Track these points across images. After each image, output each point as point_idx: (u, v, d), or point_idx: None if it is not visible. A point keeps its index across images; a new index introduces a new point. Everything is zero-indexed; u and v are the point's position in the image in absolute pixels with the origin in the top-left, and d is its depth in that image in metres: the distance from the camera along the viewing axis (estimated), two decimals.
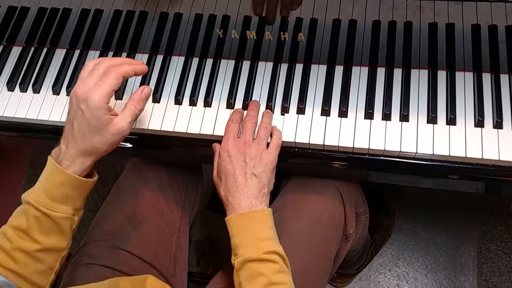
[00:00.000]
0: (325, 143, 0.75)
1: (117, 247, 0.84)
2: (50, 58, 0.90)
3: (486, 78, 0.76)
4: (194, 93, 0.82)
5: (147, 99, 0.71)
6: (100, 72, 0.66)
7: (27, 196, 0.66)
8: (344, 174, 0.85)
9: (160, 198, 0.91)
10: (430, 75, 0.77)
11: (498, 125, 0.72)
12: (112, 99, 0.68)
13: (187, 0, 0.87)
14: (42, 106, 0.85)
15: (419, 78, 0.78)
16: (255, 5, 0.83)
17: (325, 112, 0.77)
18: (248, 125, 0.75)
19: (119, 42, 0.89)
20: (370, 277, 1.39)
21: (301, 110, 0.78)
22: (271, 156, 0.73)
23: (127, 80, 0.84)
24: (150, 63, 0.86)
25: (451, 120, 0.73)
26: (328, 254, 0.83)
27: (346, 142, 0.75)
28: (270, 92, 0.80)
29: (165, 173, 0.94)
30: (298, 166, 0.82)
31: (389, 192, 1.37)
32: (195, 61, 0.86)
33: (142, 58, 0.87)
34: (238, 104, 0.81)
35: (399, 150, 0.73)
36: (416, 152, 0.73)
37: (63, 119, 0.83)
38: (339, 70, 0.80)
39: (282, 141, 0.76)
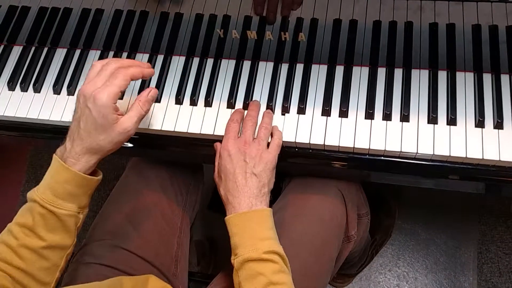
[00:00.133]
0: (326, 143, 0.75)
1: (118, 246, 0.84)
2: (51, 57, 0.90)
3: (487, 78, 0.76)
4: (194, 93, 0.82)
5: (153, 100, 0.72)
6: (108, 72, 0.67)
7: (32, 194, 0.66)
8: (344, 174, 0.85)
9: (162, 198, 0.91)
10: (431, 75, 0.77)
11: (498, 125, 0.72)
12: None
13: (187, 0, 0.87)
14: (43, 105, 0.85)
15: (420, 78, 0.78)
16: (255, 5, 0.83)
17: (326, 112, 0.77)
18: (248, 125, 0.75)
19: (120, 42, 0.89)
20: (370, 277, 1.39)
21: (301, 110, 0.78)
22: (271, 156, 0.73)
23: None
24: (150, 63, 0.86)
25: (451, 121, 0.73)
26: (329, 255, 0.83)
27: (346, 142, 0.75)
28: (271, 92, 0.80)
29: (166, 173, 0.94)
30: (299, 166, 0.82)
31: (390, 192, 1.37)
32: (196, 61, 0.86)
33: (142, 58, 0.88)
34: (239, 104, 0.81)
35: (399, 150, 0.73)
36: (417, 153, 0.73)
37: (64, 118, 0.84)
38: (339, 70, 0.80)
39: (283, 141, 0.76)
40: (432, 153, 0.72)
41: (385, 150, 0.74)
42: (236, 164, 0.71)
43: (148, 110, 0.71)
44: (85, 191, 0.68)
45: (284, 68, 0.82)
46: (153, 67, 0.86)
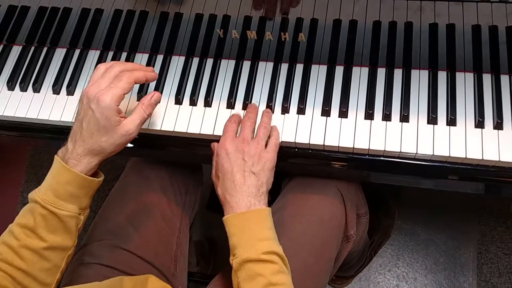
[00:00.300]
0: (325, 144, 0.75)
1: (118, 246, 0.84)
2: (50, 57, 0.90)
3: (487, 78, 0.76)
4: (194, 93, 0.82)
5: (156, 104, 0.72)
6: (112, 75, 0.68)
7: (34, 194, 0.66)
8: (344, 175, 0.85)
9: (161, 198, 0.91)
10: (431, 75, 0.77)
11: (498, 126, 0.72)
12: None
13: (187, 0, 0.86)
14: (42, 105, 0.85)
15: (420, 79, 0.78)
16: (255, 2, 0.82)
17: (325, 112, 0.77)
18: (247, 125, 0.75)
19: (120, 42, 0.89)
20: (370, 277, 1.39)
21: (301, 110, 0.78)
22: (270, 155, 0.73)
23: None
24: (150, 63, 0.86)
25: (451, 121, 0.73)
26: (329, 255, 0.83)
27: (346, 142, 0.75)
28: (271, 92, 0.80)
29: (166, 173, 0.94)
30: (299, 166, 0.82)
31: (389, 193, 1.37)
32: (196, 61, 0.86)
33: (142, 58, 0.88)
34: (238, 104, 0.81)
35: (399, 150, 0.73)
36: (416, 153, 0.73)
37: (63, 118, 0.83)
38: (339, 70, 0.80)
39: (283, 141, 0.76)
40: (431, 153, 0.72)
41: (384, 150, 0.74)
42: (234, 163, 0.71)
43: (151, 113, 0.72)
44: (86, 192, 0.68)
45: (284, 68, 0.82)
46: (153, 67, 0.86)
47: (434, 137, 0.73)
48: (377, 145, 0.74)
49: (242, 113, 0.80)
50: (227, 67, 0.84)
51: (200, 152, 0.82)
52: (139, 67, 0.72)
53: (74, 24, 0.91)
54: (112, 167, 1.61)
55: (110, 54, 0.89)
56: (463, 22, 0.78)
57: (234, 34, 0.84)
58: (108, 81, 0.67)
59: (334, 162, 0.78)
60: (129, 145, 0.83)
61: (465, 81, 0.76)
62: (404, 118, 0.75)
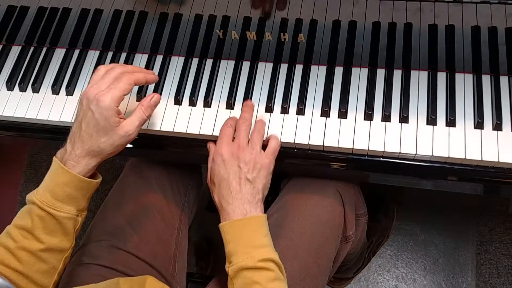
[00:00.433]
0: (325, 144, 0.75)
1: (117, 247, 0.84)
2: (50, 57, 0.90)
3: (486, 79, 0.76)
4: (193, 93, 0.82)
5: (155, 106, 0.73)
6: (112, 76, 0.68)
7: (32, 196, 0.66)
8: (343, 175, 0.85)
9: (160, 198, 0.91)
10: (430, 76, 0.78)
11: (497, 127, 0.72)
12: None
13: (187, 0, 0.86)
14: (41, 105, 0.85)
15: (419, 80, 0.78)
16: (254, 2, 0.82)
17: (325, 113, 0.77)
18: (242, 128, 0.74)
19: (119, 42, 0.88)
20: (369, 278, 1.39)
21: (300, 111, 0.78)
22: (267, 161, 0.73)
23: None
24: (149, 63, 0.86)
25: (450, 122, 0.73)
26: (328, 255, 0.83)
27: (345, 143, 0.75)
28: (270, 92, 0.80)
29: (165, 174, 0.94)
30: (298, 166, 0.82)
31: (388, 193, 1.37)
32: (195, 61, 0.86)
33: (141, 58, 0.88)
34: (238, 105, 0.81)
35: (398, 151, 0.73)
36: (416, 154, 0.73)
37: (62, 119, 0.83)
38: (339, 71, 0.80)
39: (282, 142, 0.76)
40: (431, 154, 0.72)
41: (384, 151, 0.74)
42: (230, 170, 0.71)
43: (150, 115, 0.72)
44: (84, 194, 0.68)
45: (283, 69, 0.82)
46: (152, 68, 0.86)
47: (434, 138, 0.73)
48: (376, 146, 0.74)
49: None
50: (226, 67, 0.84)
51: (199, 153, 0.82)
52: (139, 69, 0.73)
53: (74, 24, 0.91)
54: (111, 167, 1.62)
55: (110, 54, 0.89)
56: (462, 23, 0.78)
57: (234, 34, 0.84)
58: (108, 82, 0.68)
59: (333, 163, 0.78)
60: (129, 145, 0.83)
61: (464, 82, 0.76)
62: (404, 119, 0.75)
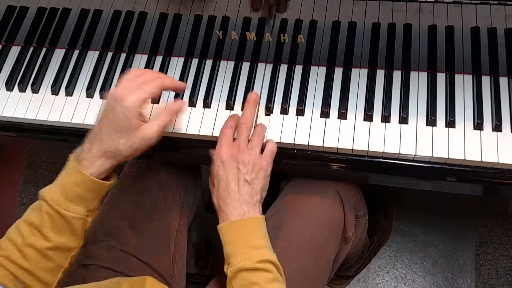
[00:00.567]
0: (324, 145, 0.75)
1: (116, 248, 0.84)
2: (49, 58, 0.90)
3: (485, 80, 0.76)
4: (193, 94, 0.82)
5: (177, 112, 0.73)
6: (142, 80, 0.69)
7: (43, 192, 0.66)
8: (343, 176, 0.85)
9: (159, 199, 0.91)
10: (430, 77, 0.78)
11: (497, 127, 0.72)
12: None
13: (186, 1, 0.86)
14: (41, 106, 0.85)
15: (419, 81, 0.78)
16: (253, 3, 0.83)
17: (325, 113, 0.77)
18: (242, 129, 0.74)
19: (119, 43, 0.88)
20: (368, 279, 1.39)
21: (300, 112, 0.78)
22: (264, 163, 0.73)
23: None
24: (149, 63, 0.86)
25: (450, 123, 0.73)
26: (327, 256, 0.83)
27: (345, 144, 0.75)
28: (270, 93, 0.80)
29: (164, 174, 0.94)
30: (297, 167, 0.82)
31: (388, 194, 1.37)
32: (195, 62, 0.86)
33: (141, 59, 0.87)
34: (238, 105, 0.81)
35: (398, 152, 0.73)
36: (415, 155, 0.73)
37: (62, 119, 0.83)
38: (338, 72, 0.80)
39: (282, 143, 0.76)
40: (430, 155, 0.72)
41: (383, 152, 0.74)
42: (229, 171, 0.71)
43: (172, 121, 0.72)
44: (95, 195, 0.67)
45: (283, 70, 0.82)
46: (152, 68, 0.86)
47: (433, 139, 0.73)
48: (376, 147, 0.74)
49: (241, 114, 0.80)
50: (226, 68, 0.84)
51: (199, 153, 0.82)
52: (170, 78, 0.73)
53: (73, 24, 0.91)
54: None
55: (109, 55, 0.89)
56: (462, 24, 0.78)
57: (234, 35, 0.84)
58: (136, 84, 0.68)
59: (333, 164, 0.78)
60: None
61: (464, 83, 0.76)
62: (403, 119, 0.75)
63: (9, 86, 0.87)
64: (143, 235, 0.87)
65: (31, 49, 0.91)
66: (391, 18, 0.80)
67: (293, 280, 0.68)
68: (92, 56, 0.89)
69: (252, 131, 0.76)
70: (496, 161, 0.71)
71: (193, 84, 0.83)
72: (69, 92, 0.85)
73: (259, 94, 0.80)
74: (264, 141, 0.76)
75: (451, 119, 0.73)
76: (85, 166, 0.66)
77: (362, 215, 0.92)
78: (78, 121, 0.83)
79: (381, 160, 0.76)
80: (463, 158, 0.71)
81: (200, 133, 0.79)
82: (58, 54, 0.90)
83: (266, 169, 0.73)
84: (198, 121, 0.80)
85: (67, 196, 0.65)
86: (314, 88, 0.80)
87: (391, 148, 0.74)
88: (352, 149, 0.75)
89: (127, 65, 0.86)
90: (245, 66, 0.84)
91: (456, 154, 0.72)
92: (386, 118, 0.75)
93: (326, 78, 0.80)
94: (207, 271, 1.38)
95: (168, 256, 0.89)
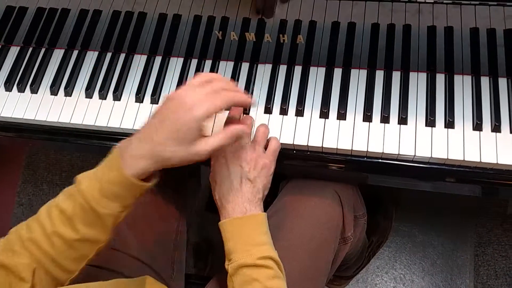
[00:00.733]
0: (324, 145, 0.75)
1: (115, 248, 0.84)
2: (48, 58, 0.89)
3: (485, 81, 0.76)
4: None
5: (239, 137, 0.70)
6: (213, 89, 0.63)
7: (81, 182, 0.62)
8: (342, 177, 0.85)
9: (159, 200, 0.91)
10: (429, 78, 0.78)
11: (496, 128, 0.72)
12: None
13: (186, 1, 0.86)
14: (40, 106, 0.85)
15: (418, 81, 0.78)
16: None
17: (324, 114, 0.77)
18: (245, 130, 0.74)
19: (118, 43, 0.88)
20: (367, 279, 1.39)
21: (299, 112, 0.78)
22: (267, 161, 0.73)
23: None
24: (148, 64, 0.86)
25: (449, 123, 0.73)
26: (326, 257, 0.83)
27: (344, 144, 0.75)
28: (269, 94, 0.80)
29: (164, 174, 0.93)
30: (296, 168, 0.82)
31: (387, 195, 1.37)
32: (194, 62, 0.86)
33: (140, 59, 0.87)
34: None
35: (397, 153, 0.73)
36: (414, 155, 0.73)
37: (61, 119, 0.83)
38: (338, 73, 0.80)
39: (281, 143, 0.76)
40: (430, 156, 0.72)
41: (383, 152, 0.74)
42: (232, 169, 0.71)
43: (230, 144, 0.68)
44: (132, 194, 0.64)
45: (282, 70, 0.82)
46: (151, 69, 0.86)
47: (432, 140, 0.73)
48: (375, 147, 0.74)
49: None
50: (225, 69, 0.84)
51: None
52: (239, 90, 0.68)
53: (72, 25, 0.91)
54: None
55: (108, 55, 0.88)
56: (461, 25, 0.78)
57: (233, 36, 0.84)
58: (206, 93, 0.63)
59: (332, 164, 0.78)
60: None
61: (463, 84, 0.77)
62: (402, 120, 0.75)
63: (8, 86, 0.87)
64: (142, 235, 0.87)
65: (30, 49, 0.91)
66: (391, 19, 0.80)
67: (292, 280, 0.68)
68: (91, 57, 0.89)
69: (253, 128, 0.76)
70: (495, 162, 0.71)
71: None
72: (68, 93, 0.85)
73: (258, 95, 0.80)
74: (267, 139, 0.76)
75: (450, 120, 0.73)
76: (128, 165, 0.61)
77: (361, 215, 0.92)
78: (77, 121, 0.82)
79: (380, 160, 0.76)
80: (462, 159, 0.71)
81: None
82: (57, 54, 0.90)
83: (269, 167, 0.73)
84: None
85: (104, 192, 0.61)
86: (314, 89, 0.80)
87: (390, 148, 0.74)
88: (352, 149, 0.75)
89: (126, 66, 0.86)
90: (245, 66, 0.84)
91: (455, 154, 0.72)
92: (385, 119, 0.75)
93: (326, 79, 0.80)
94: (206, 272, 1.38)
95: (168, 257, 0.89)
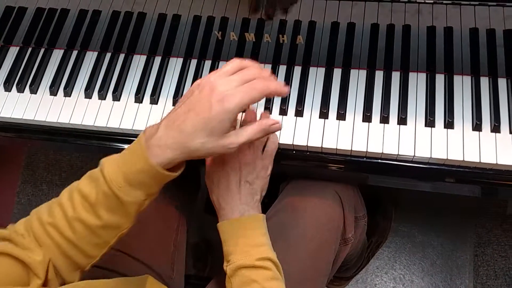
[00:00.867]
0: (323, 146, 0.75)
1: (115, 248, 0.84)
2: (48, 58, 0.89)
3: (484, 82, 0.76)
4: None
5: (270, 133, 0.66)
6: (247, 78, 0.60)
7: (104, 167, 0.60)
8: (342, 177, 0.85)
9: (158, 200, 0.90)
10: (428, 78, 0.78)
11: (495, 129, 0.72)
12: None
13: (186, 2, 0.86)
14: (39, 106, 0.85)
15: (417, 82, 0.78)
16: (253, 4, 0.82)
17: (323, 114, 0.77)
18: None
19: (117, 43, 0.88)
20: (367, 279, 1.39)
21: (299, 113, 0.78)
22: (265, 163, 0.73)
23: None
24: (148, 64, 0.86)
25: (449, 124, 0.73)
26: (327, 258, 0.83)
27: (344, 145, 0.75)
28: None
29: None
30: (296, 168, 0.82)
31: (386, 195, 1.37)
32: (194, 62, 0.85)
33: (140, 60, 0.87)
34: None
35: (397, 153, 0.73)
36: (414, 156, 0.73)
37: (60, 120, 0.83)
38: (337, 73, 0.80)
39: (280, 143, 0.76)
40: (429, 156, 0.72)
41: (382, 153, 0.74)
42: (230, 171, 0.71)
43: (259, 139, 0.65)
44: (158, 183, 0.62)
45: (282, 71, 0.82)
46: (151, 69, 0.86)
47: (432, 140, 0.73)
48: (374, 148, 0.74)
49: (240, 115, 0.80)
50: None
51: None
52: (274, 79, 0.63)
53: (72, 25, 0.91)
54: None
55: (108, 55, 0.88)
56: (460, 25, 0.78)
57: (232, 36, 0.84)
58: (240, 82, 0.59)
59: (332, 165, 0.78)
60: (126, 146, 0.83)
61: (462, 84, 0.77)
62: (402, 120, 0.75)
63: (7, 86, 0.87)
64: (142, 236, 0.87)
65: (30, 49, 0.91)
66: (390, 19, 0.80)
67: (293, 281, 0.68)
68: (90, 57, 0.89)
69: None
70: (494, 162, 0.71)
71: (191, 85, 0.83)
72: (67, 93, 0.85)
73: None
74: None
75: (450, 120, 0.73)
76: (155, 154, 0.58)
77: (361, 216, 0.92)
78: (76, 121, 0.82)
79: (379, 161, 0.76)
80: (462, 159, 0.71)
81: None
82: (57, 55, 0.90)
83: (266, 169, 0.73)
84: None
85: (129, 180, 0.59)
86: (313, 89, 0.80)
87: (390, 149, 0.74)
88: (351, 150, 0.75)
89: (125, 66, 0.86)
90: None
91: (455, 155, 0.72)
92: (385, 119, 0.75)
93: (325, 79, 0.80)
94: (205, 272, 1.38)
95: (167, 257, 0.88)
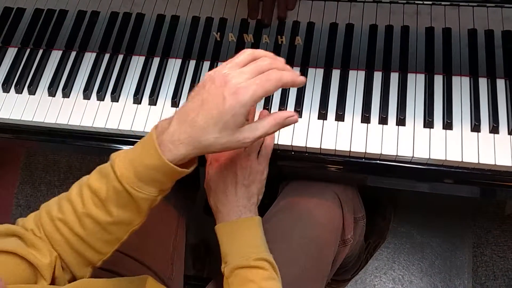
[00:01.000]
0: (322, 147, 0.75)
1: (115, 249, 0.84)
2: (46, 59, 0.89)
3: (483, 82, 0.76)
4: None
5: (286, 126, 0.62)
6: (260, 69, 0.57)
7: (115, 162, 0.58)
8: (340, 178, 0.85)
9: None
10: (427, 79, 0.78)
11: (494, 129, 0.72)
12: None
13: (184, 2, 0.86)
14: (38, 108, 0.85)
15: (416, 83, 0.78)
16: (250, 10, 0.83)
17: (322, 115, 0.77)
18: None
19: (116, 44, 0.88)
20: (366, 280, 1.39)
21: (298, 114, 0.78)
22: (261, 167, 0.73)
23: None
24: (146, 65, 0.86)
25: (447, 125, 0.73)
26: (326, 259, 0.83)
27: (342, 145, 0.75)
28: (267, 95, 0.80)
29: None
30: (295, 169, 0.82)
31: (385, 195, 1.37)
32: (192, 63, 0.85)
33: (138, 60, 0.87)
34: None
35: (395, 154, 0.73)
36: (413, 156, 0.73)
37: (59, 121, 0.83)
38: (336, 74, 0.80)
39: (279, 144, 0.76)
40: (428, 157, 0.72)
41: (381, 154, 0.74)
42: (226, 175, 0.72)
43: (273, 133, 0.62)
44: (170, 179, 0.60)
45: None
46: (149, 70, 0.85)
47: (430, 141, 0.73)
48: (373, 149, 0.74)
49: None
50: None
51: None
52: (289, 68, 0.60)
53: (70, 26, 0.91)
54: None
55: (106, 56, 0.88)
56: (459, 26, 0.78)
57: (231, 37, 0.84)
58: (254, 74, 0.56)
59: (330, 165, 0.78)
60: (125, 147, 0.83)
61: (461, 85, 0.77)
62: (401, 121, 0.75)
63: (5, 87, 0.87)
64: (141, 236, 0.86)
65: (28, 50, 0.91)
66: (389, 20, 0.80)
67: (292, 281, 0.68)
68: (89, 58, 0.88)
69: None
70: (493, 163, 0.71)
71: (190, 86, 0.83)
72: (66, 94, 0.85)
73: None
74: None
75: (449, 121, 0.73)
76: (167, 150, 0.57)
77: (360, 217, 0.92)
78: (75, 122, 0.82)
79: (378, 162, 0.76)
80: (460, 160, 0.71)
81: None
82: (55, 56, 0.89)
83: (262, 172, 0.74)
84: None
85: (141, 177, 0.57)
86: (312, 90, 0.80)
87: (389, 150, 0.74)
88: (350, 150, 0.75)
89: (124, 67, 0.86)
90: None
91: (454, 156, 0.72)
92: (383, 120, 0.75)
93: (324, 80, 0.80)
94: (204, 273, 1.38)
95: (167, 258, 0.88)
